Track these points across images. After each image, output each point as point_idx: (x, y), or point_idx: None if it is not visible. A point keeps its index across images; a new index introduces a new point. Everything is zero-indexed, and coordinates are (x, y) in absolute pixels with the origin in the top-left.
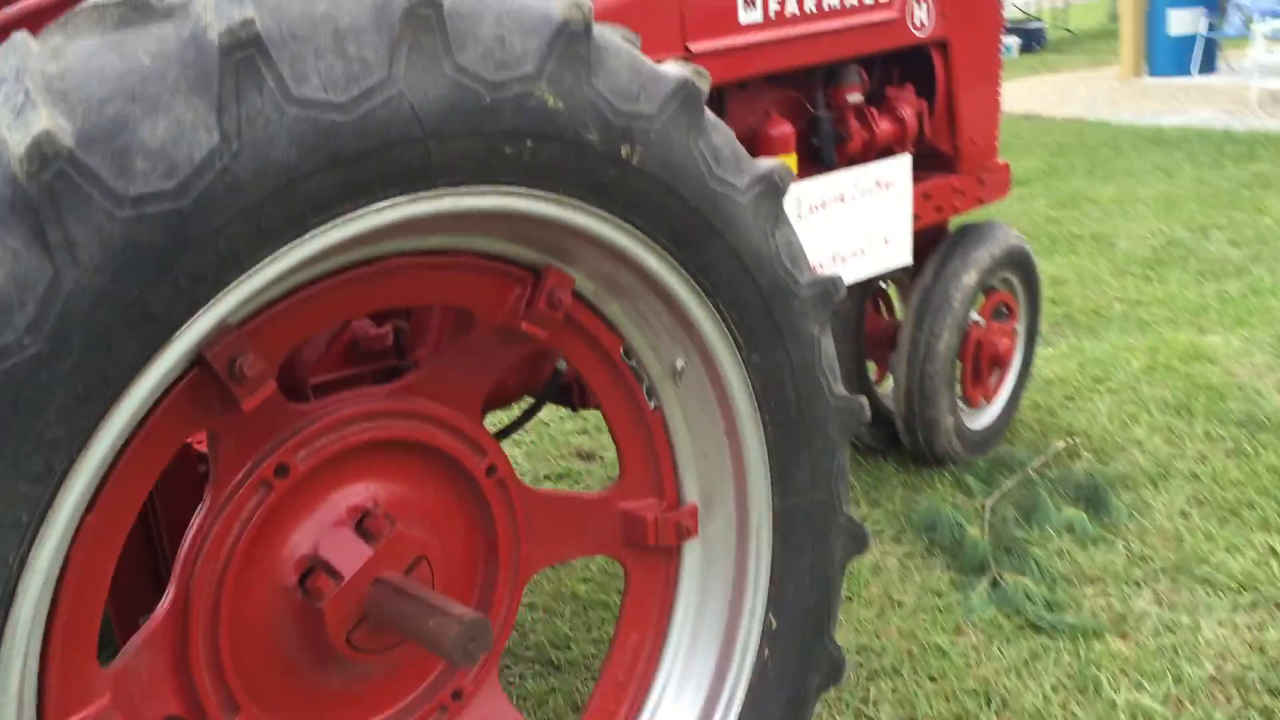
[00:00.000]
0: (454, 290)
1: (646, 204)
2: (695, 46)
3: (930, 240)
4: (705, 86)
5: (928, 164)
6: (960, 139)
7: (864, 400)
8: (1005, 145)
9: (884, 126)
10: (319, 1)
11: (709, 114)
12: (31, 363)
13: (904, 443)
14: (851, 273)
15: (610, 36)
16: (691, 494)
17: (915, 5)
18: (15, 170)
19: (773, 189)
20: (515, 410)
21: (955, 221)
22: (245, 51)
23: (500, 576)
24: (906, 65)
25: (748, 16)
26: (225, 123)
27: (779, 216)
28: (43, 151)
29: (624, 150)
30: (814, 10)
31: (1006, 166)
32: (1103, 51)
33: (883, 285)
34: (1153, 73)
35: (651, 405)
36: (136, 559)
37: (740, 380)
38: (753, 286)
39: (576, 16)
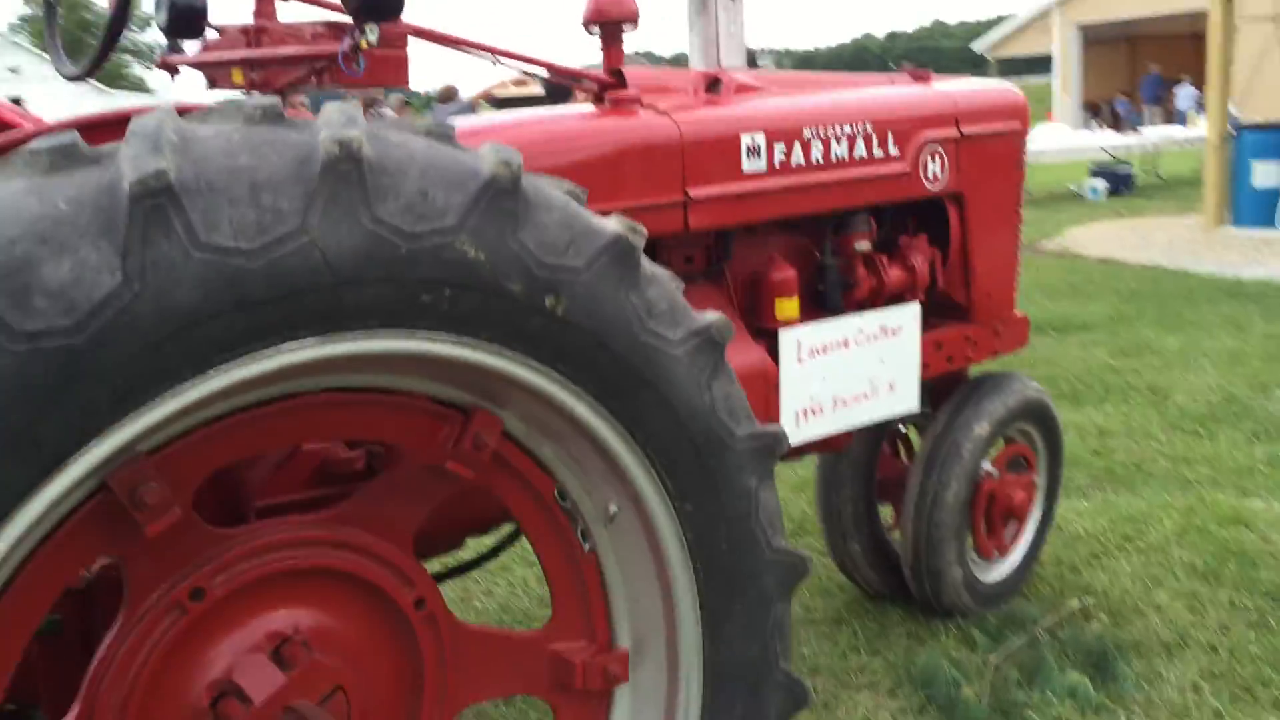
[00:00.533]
0: (380, 427)
1: (573, 353)
2: (695, 192)
3: (948, 387)
4: (640, 241)
5: (941, 313)
6: (974, 290)
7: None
8: (1077, 289)
9: (894, 274)
10: (242, 154)
11: (648, 267)
12: None
13: (912, 591)
14: (854, 418)
15: (546, 191)
16: (623, 638)
17: (928, 159)
18: None
19: (710, 343)
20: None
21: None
22: (155, 199)
23: (424, 711)
24: (921, 214)
25: (751, 165)
26: (129, 265)
27: (716, 369)
28: None
29: (549, 301)
30: (820, 161)
31: (1025, 319)
32: (1191, 199)
33: (902, 429)
34: (1236, 223)
35: (586, 548)
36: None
37: (672, 528)
38: (685, 438)
39: (504, 173)
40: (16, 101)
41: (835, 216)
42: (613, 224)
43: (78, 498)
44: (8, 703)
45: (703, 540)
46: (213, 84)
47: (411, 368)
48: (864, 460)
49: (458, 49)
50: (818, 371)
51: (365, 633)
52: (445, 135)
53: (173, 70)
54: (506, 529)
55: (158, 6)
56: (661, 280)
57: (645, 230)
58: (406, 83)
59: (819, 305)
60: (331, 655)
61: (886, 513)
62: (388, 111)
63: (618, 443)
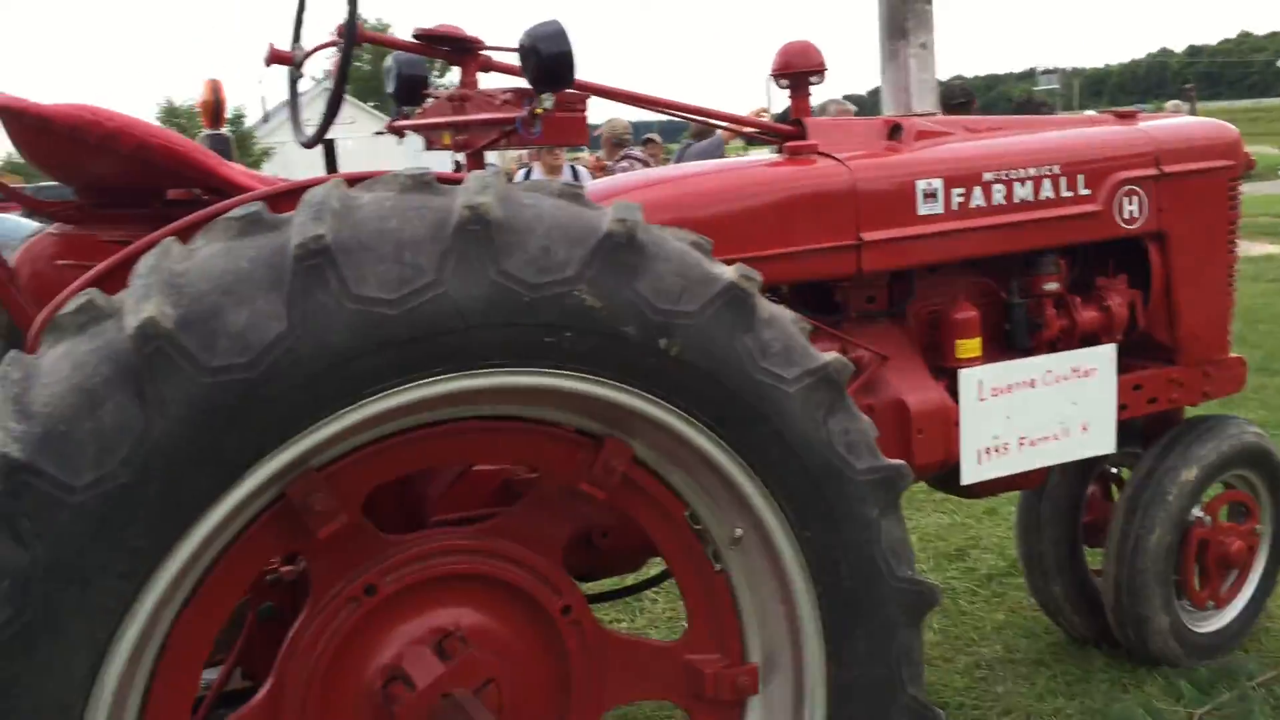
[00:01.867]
0: (521, 451)
1: (688, 390)
2: (868, 235)
3: (1160, 429)
4: (754, 287)
5: (1146, 354)
6: (1179, 332)
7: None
8: None
9: (1087, 315)
10: (392, 219)
11: (765, 310)
12: (121, 488)
13: (1117, 637)
14: (1043, 458)
15: (664, 242)
16: (754, 654)
17: (1124, 199)
18: (128, 345)
19: (826, 381)
20: None
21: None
22: (314, 259)
23: (572, 708)
24: (1122, 254)
25: (927, 208)
26: (292, 314)
27: (834, 405)
28: (146, 332)
29: (663, 343)
30: (1003, 203)
31: (1241, 360)
32: None
33: (1115, 471)
34: None
35: (717, 567)
36: None
37: (793, 554)
38: (802, 469)
39: (619, 229)
40: (330, 145)
41: (1022, 257)
42: (728, 272)
43: (262, 503)
44: (246, 679)
45: (824, 566)
46: (429, 145)
47: (544, 400)
48: (1067, 502)
49: (639, 106)
50: (1001, 410)
51: (517, 634)
52: (575, 195)
53: (399, 133)
54: None
55: (387, 77)
56: (780, 322)
57: (760, 276)
58: (585, 140)
59: (1006, 345)
60: (487, 651)
61: (1097, 556)
62: (583, 171)
63: (737, 472)
